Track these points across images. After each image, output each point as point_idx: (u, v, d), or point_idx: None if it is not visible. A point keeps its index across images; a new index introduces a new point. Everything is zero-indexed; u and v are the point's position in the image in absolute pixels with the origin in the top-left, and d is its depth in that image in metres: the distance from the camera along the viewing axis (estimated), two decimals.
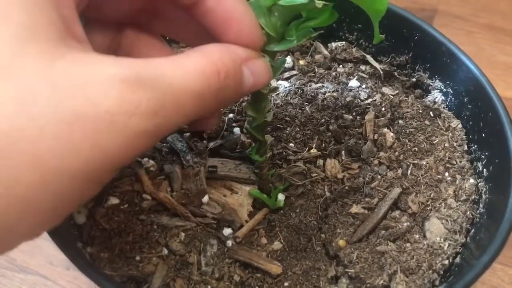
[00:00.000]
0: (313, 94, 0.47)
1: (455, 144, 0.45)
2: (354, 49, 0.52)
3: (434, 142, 0.45)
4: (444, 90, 0.48)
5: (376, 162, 0.43)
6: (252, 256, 0.38)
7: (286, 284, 0.37)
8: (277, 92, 0.47)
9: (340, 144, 0.44)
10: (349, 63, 0.51)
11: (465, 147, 0.45)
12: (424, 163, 0.43)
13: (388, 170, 0.43)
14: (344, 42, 0.52)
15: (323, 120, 0.45)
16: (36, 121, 0.20)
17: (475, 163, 0.44)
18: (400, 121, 0.46)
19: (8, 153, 0.20)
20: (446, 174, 0.43)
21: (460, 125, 0.46)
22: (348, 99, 0.46)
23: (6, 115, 0.20)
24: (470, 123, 0.45)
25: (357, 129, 0.45)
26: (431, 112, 0.47)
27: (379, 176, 0.43)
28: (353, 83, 0.48)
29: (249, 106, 0.36)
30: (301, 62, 0.52)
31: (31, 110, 0.20)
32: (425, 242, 0.39)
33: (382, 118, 0.45)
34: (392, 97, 0.48)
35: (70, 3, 0.25)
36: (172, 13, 0.33)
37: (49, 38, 0.22)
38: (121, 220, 0.38)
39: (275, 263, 0.38)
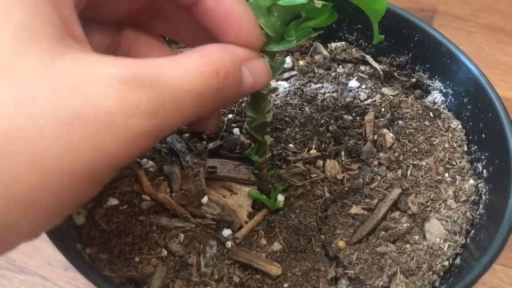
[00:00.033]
0: (312, 95, 0.47)
1: (455, 144, 0.45)
2: (353, 50, 0.52)
3: (434, 142, 0.44)
4: (444, 90, 0.48)
5: (375, 163, 0.43)
6: (252, 257, 0.38)
7: (285, 285, 0.37)
8: (277, 93, 0.47)
9: (339, 145, 0.44)
10: (349, 64, 0.51)
11: (465, 148, 0.45)
12: (424, 163, 0.43)
13: (388, 171, 0.43)
14: (343, 43, 0.52)
15: (322, 121, 0.45)
16: (36, 121, 0.20)
17: (475, 164, 0.44)
18: (400, 122, 0.46)
19: (8, 153, 0.20)
20: (446, 175, 0.43)
21: (460, 126, 0.46)
22: (347, 99, 0.46)
23: (6, 115, 0.20)
24: (470, 123, 0.45)
25: (356, 130, 0.45)
26: (431, 113, 0.47)
27: (378, 177, 0.43)
28: (353, 83, 0.48)
29: (248, 106, 0.36)
30: (301, 62, 0.51)
31: (31, 110, 0.20)
32: (425, 243, 0.39)
33: (382, 119, 0.45)
34: (392, 97, 0.48)
35: (69, 3, 0.25)
36: (171, 13, 0.33)
37: (49, 38, 0.22)
38: (121, 221, 0.38)
39: (275, 264, 0.38)
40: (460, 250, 0.39)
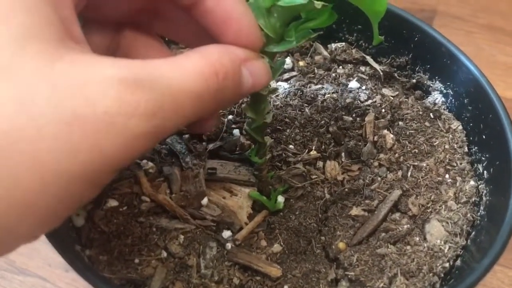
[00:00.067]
0: (312, 96, 0.46)
1: (455, 146, 0.44)
2: (354, 50, 0.52)
3: (434, 143, 0.44)
4: (444, 91, 0.48)
5: (376, 164, 0.43)
6: (252, 258, 0.38)
7: (285, 287, 0.37)
8: (277, 94, 0.47)
9: (340, 146, 0.44)
10: (349, 64, 0.51)
11: (466, 149, 0.45)
12: (424, 165, 0.43)
13: (388, 172, 0.43)
14: (344, 43, 0.52)
15: (322, 122, 0.45)
16: (36, 121, 0.20)
17: (475, 165, 0.43)
18: (400, 123, 0.46)
19: (7, 153, 0.20)
20: (447, 176, 0.43)
21: (460, 127, 0.46)
22: (348, 100, 0.46)
23: (6, 115, 0.20)
24: (471, 124, 0.45)
25: (357, 131, 0.45)
26: (431, 114, 0.47)
27: (379, 178, 0.42)
28: (353, 84, 0.48)
29: (248, 107, 0.36)
30: (301, 63, 0.51)
31: (31, 110, 0.20)
32: (425, 245, 0.39)
33: (382, 120, 0.45)
34: (392, 98, 0.48)
35: (69, 4, 0.25)
36: (171, 13, 0.33)
37: (48, 39, 0.22)
38: (120, 223, 0.38)
39: (275, 266, 0.38)
40: (460, 251, 0.39)
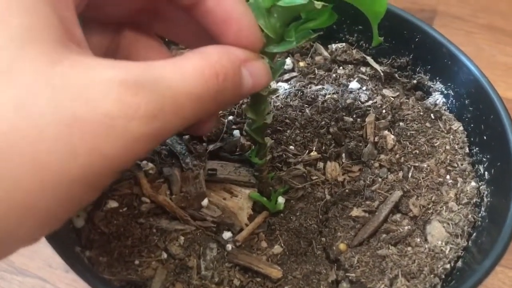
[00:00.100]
0: (313, 96, 0.46)
1: (456, 146, 0.44)
2: (354, 51, 0.52)
3: (435, 144, 0.44)
4: (445, 92, 0.48)
5: (376, 164, 0.43)
6: (252, 260, 0.38)
7: None
8: (277, 94, 0.47)
9: (340, 147, 0.44)
10: (350, 65, 0.51)
11: (467, 150, 0.44)
12: (425, 165, 0.43)
13: (389, 172, 0.43)
14: (344, 44, 0.52)
15: (323, 123, 0.44)
16: (36, 123, 0.20)
17: (476, 166, 0.43)
18: (401, 124, 0.45)
19: (8, 155, 0.20)
20: (448, 177, 0.43)
21: (461, 128, 0.46)
22: (348, 101, 0.46)
23: (6, 116, 0.20)
24: (472, 125, 0.45)
25: (357, 132, 0.45)
26: (432, 114, 0.46)
27: (379, 179, 0.42)
28: (354, 85, 0.48)
29: (248, 108, 0.36)
30: (301, 63, 0.51)
31: (31, 112, 0.20)
32: (426, 246, 0.38)
33: (383, 121, 0.45)
34: (392, 99, 0.48)
35: (70, 5, 0.25)
36: (171, 13, 0.33)
37: (48, 40, 0.22)
38: (120, 224, 0.38)
39: (275, 267, 0.37)
40: (462, 253, 0.39)
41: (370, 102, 0.47)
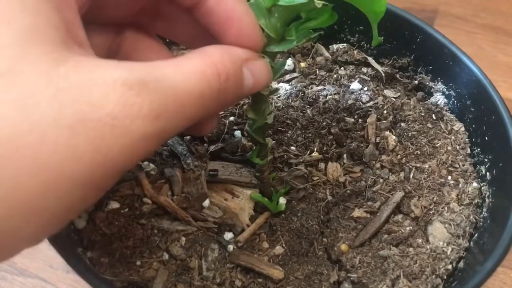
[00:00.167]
0: (314, 97, 0.46)
1: (457, 147, 0.44)
2: (355, 51, 0.52)
3: (437, 145, 0.44)
4: (447, 92, 0.48)
5: (378, 165, 0.43)
6: (254, 260, 0.38)
7: None
8: (278, 95, 0.47)
9: (341, 147, 0.44)
10: (351, 65, 0.51)
11: (468, 151, 0.44)
12: (427, 166, 0.43)
13: (390, 173, 0.43)
14: (345, 44, 0.52)
15: (324, 123, 0.44)
16: (38, 125, 0.20)
17: (478, 166, 0.43)
18: (402, 124, 0.45)
19: (10, 156, 0.20)
20: (449, 177, 0.43)
21: (462, 128, 0.46)
22: (349, 101, 0.46)
23: (8, 119, 0.20)
24: (473, 126, 0.45)
25: (358, 132, 0.45)
26: (433, 115, 0.46)
27: (381, 180, 0.42)
28: (355, 85, 0.48)
29: (249, 108, 0.36)
30: (302, 64, 0.51)
31: (33, 114, 0.20)
32: (428, 247, 0.38)
33: (384, 121, 0.45)
34: (394, 99, 0.48)
35: (73, 7, 0.25)
36: (172, 14, 0.33)
37: (51, 41, 0.22)
38: (122, 225, 0.38)
39: (277, 268, 0.37)
40: (463, 253, 0.39)
41: (371, 103, 0.46)
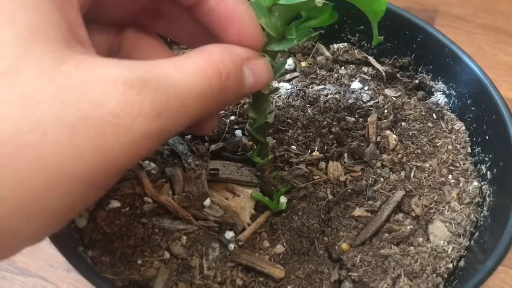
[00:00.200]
0: (315, 96, 0.46)
1: (458, 146, 0.44)
2: (356, 51, 0.52)
3: (437, 144, 0.44)
4: (447, 92, 0.48)
5: (379, 164, 0.43)
6: (255, 259, 0.38)
7: (289, 287, 0.37)
8: (279, 94, 0.47)
9: (342, 147, 0.44)
10: (351, 65, 0.51)
11: (469, 150, 0.44)
12: (427, 165, 0.43)
13: (391, 172, 0.43)
14: (346, 44, 0.52)
15: (325, 123, 0.44)
16: (40, 124, 0.20)
17: (478, 165, 0.43)
18: (403, 123, 0.45)
19: (12, 155, 0.20)
20: (450, 176, 0.43)
21: (463, 127, 0.46)
22: (350, 101, 0.46)
23: (9, 118, 0.20)
24: (474, 125, 0.45)
25: (359, 132, 0.45)
26: (434, 114, 0.46)
27: (382, 179, 0.42)
28: (355, 85, 0.48)
29: (250, 107, 0.36)
30: (303, 63, 0.51)
31: (34, 113, 0.20)
32: (428, 246, 0.38)
33: (385, 120, 0.45)
34: (394, 99, 0.48)
35: (75, 6, 0.25)
36: (173, 13, 0.33)
37: (53, 40, 0.22)
38: (122, 224, 0.38)
39: (278, 267, 0.37)
40: (464, 252, 0.39)
41: (372, 102, 0.47)
